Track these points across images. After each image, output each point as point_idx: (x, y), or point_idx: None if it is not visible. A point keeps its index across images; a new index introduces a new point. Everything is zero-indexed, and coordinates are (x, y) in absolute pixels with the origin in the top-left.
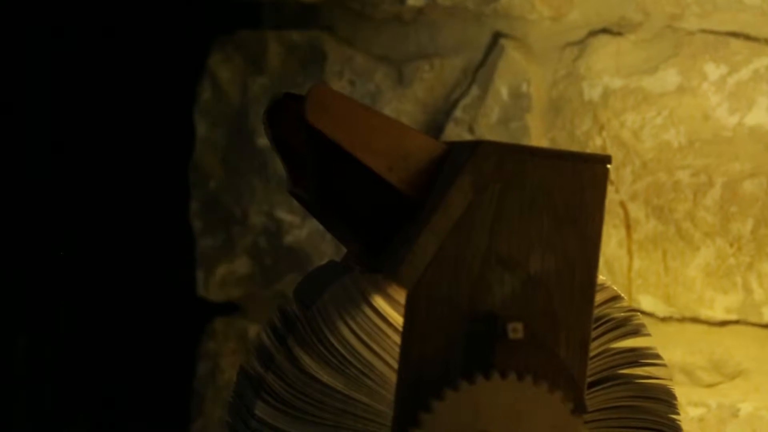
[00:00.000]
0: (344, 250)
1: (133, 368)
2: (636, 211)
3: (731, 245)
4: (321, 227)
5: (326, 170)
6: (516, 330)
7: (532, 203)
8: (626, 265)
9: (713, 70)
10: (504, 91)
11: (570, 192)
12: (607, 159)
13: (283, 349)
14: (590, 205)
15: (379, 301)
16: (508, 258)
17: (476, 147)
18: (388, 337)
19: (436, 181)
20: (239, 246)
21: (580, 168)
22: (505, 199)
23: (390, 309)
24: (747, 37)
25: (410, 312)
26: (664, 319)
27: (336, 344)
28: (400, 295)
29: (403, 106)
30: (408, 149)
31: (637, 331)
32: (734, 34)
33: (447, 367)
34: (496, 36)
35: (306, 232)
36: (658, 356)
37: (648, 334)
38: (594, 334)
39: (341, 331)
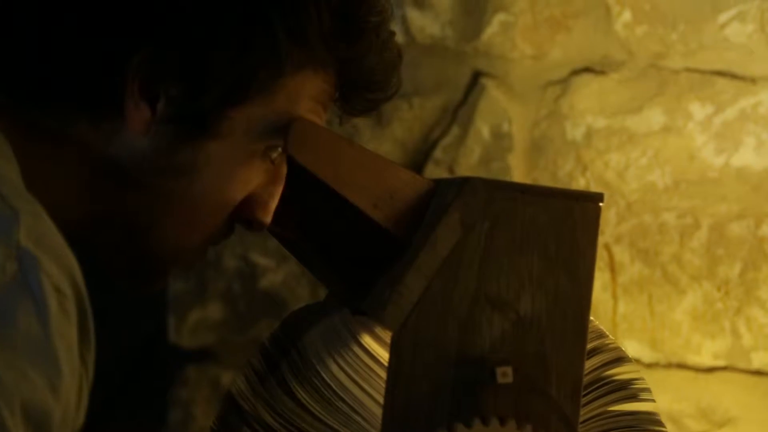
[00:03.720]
0: (321, 295)
1: (103, 416)
2: (621, 253)
3: (719, 289)
4: (298, 271)
5: (308, 207)
6: (505, 374)
7: (523, 242)
8: (611, 310)
9: (699, 110)
10: (485, 131)
11: (561, 231)
12: (600, 197)
13: (275, 377)
14: (582, 244)
15: (368, 340)
16: (498, 299)
17: (464, 183)
18: (378, 376)
19: (422, 218)
20: (212, 290)
21: (571, 206)
22: (495, 237)
23: (379, 348)
24: (733, 76)
25: (396, 355)
26: (650, 365)
27: (327, 379)
28: (389, 335)
29: (382, 146)
30: (394, 186)
31: (635, 396)
32: (720, 73)
33: (434, 413)
34: (477, 75)
35: (282, 276)
36: (659, 422)
37: (651, 400)
38: (593, 395)
39: (330, 368)
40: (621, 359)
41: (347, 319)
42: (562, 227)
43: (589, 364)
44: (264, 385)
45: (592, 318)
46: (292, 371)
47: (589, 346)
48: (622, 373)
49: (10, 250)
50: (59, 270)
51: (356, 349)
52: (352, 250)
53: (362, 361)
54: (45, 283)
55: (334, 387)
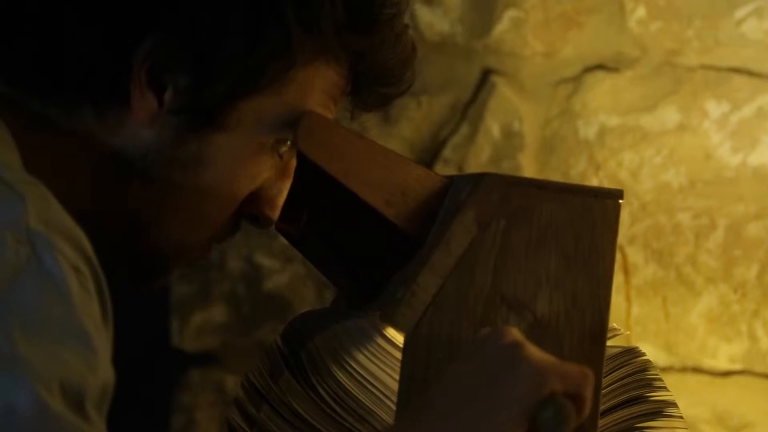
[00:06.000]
0: (327, 297)
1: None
2: (634, 255)
3: (735, 291)
4: (303, 272)
5: (317, 203)
6: None
7: (540, 240)
8: (624, 312)
9: (715, 108)
10: (495, 130)
11: (580, 229)
12: (619, 194)
13: (322, 336)
14: (601, 243)
15: (393, 332)
16: (514, 299)
17: (480, 180)
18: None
19: (436, 216)
20: (216, 293)
21: (590, 203)
22: (511, 235)
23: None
24: (750, 73)
25: (409, 356)
26: (664, 369)
27: (355, 366)
28: None
29: (389, 145)
30: (406, 182)
31: None
32: (736, 70)
33: None
34: (487, 72)
35: (287, 278)
36: None
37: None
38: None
39: (357, 357)
40: (659, 412)
41: (371, 316)
42: (580, 225)
43: (625, 413)
44: (291, 366)
45: (649, 362)
46: (320, 358)
47: (631, 394)
48: (657, 427)
49: (21, 234)
50: (72, 249)
51: (381, 341)
52: (363, 249)
53: (388, 352)
54: (62, 263)
55: (363, 373)
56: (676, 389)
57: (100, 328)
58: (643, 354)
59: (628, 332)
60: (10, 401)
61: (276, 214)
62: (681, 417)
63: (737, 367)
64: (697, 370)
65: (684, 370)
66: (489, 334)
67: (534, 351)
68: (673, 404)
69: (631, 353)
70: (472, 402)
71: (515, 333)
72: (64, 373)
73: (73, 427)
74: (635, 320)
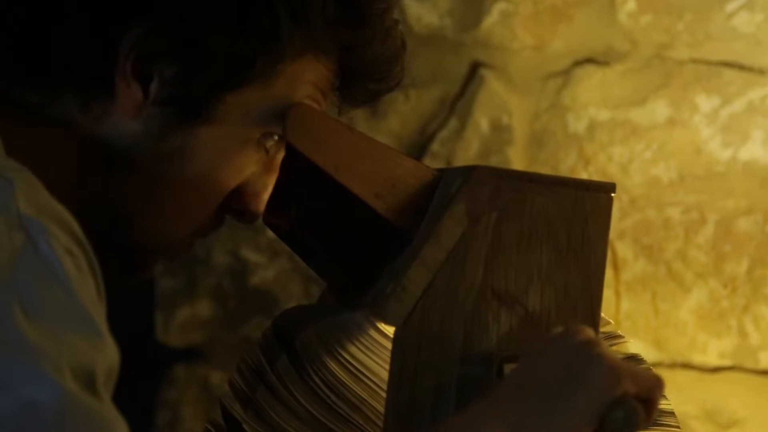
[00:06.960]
0: (314, 292)
1: None
2: (624, 250)
3: (725, 286)
4: (290, 267)
5: (307, 196)
6: None
7: (531, 234)
8: (613, 308)
9: (705, 102)
10: (484, 124)
11: (572, 222)
12: (612, 187)
13: (315, 327)
14: (593, 236)
15: (385, 326)
16: (505, 293)
17: (471, 172)
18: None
19: (426, 209)
20: (202, 287)
21: (582, 196)
22: (502, 229)
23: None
24: (741, 67)
25: (399, 351)
26: (654, 365)
27: (348, 358)
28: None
29: (378, 139)
30: (396, 175)
31: None
32: (727, 64)
33: (438, 412)
34: (476, 66)
35: (273, 273)
36: None
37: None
38: None
39: (350, 349)
40: (654, 421)
41: (362, 310)
42: (572, 218)
43: None
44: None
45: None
46: (314, 348)
47: None
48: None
49: (12, 219)
50: (64, 233)
51: (374, 333)
52: (353, 242)
53: (381, 344)
54: (57, 247)
55: (356, 365)
56: (666, 386)
57: (99, 309)
58: (644, 362)
59: (628, 341)
60: (30, 392)
61: (261, 208)
62: (677, 427)
63: (727, 363)
64: (687, 366)
65: (673, 366)
66: (565, 331)
67: (609, 351)
68: (671, 413)
69: (631, 359)
70: (546, 396)
71: (590, 332)
72: (73, 357)
73: (93, 410)
74: (624, 316)
